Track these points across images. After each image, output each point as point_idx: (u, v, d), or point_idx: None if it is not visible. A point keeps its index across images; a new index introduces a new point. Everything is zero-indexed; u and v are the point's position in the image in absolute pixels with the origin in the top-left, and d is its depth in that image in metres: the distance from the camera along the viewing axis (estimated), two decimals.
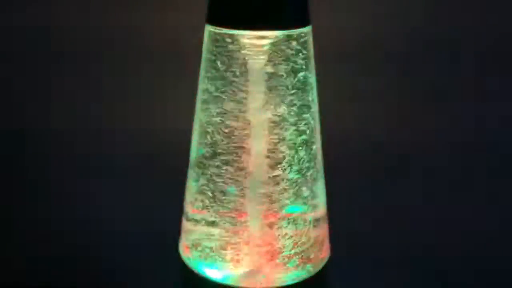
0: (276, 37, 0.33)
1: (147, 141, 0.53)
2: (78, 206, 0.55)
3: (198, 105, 0.36)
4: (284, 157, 0.35)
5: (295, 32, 0.34)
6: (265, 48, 0.33)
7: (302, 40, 0.34)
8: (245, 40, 0.33)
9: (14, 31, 0.51)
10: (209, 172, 0.35)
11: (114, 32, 0.50)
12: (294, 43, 0.34)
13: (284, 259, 0.36)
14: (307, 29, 0.35)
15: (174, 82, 0.51)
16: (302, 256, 0.36)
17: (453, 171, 0.54)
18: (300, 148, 0.35)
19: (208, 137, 0.35)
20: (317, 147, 0.37)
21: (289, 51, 0.34)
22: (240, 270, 0.36)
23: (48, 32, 0.50)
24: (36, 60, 0.51)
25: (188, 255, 0.38)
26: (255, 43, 0.33)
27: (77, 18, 0.50)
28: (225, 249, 0.36)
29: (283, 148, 0.35)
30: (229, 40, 0.33)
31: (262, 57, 0.33)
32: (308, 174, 0.36)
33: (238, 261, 0.36)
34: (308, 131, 0.36)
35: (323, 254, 0.38)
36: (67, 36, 0.51)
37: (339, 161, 0.47)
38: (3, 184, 0.55)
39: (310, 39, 0.35)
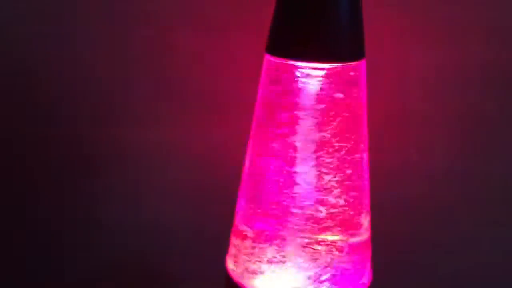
0: (330, 69, 0.35)
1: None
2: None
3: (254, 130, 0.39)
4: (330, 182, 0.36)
5: (349, 64, 0.35)
6: (319, 79, 0.35)
7: (355, 72, 0.36)
8: (300, 71, 0.35)
9: None
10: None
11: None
12: (348, 74, 0.36)
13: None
14: (361, 61, 0.36)
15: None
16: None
17: None
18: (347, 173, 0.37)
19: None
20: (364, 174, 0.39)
21: (343, 83, 0.35)
22: None
23: None
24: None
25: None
26: (311, 74, 0.35)
27: None
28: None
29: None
30: (285, 69, 0.35)
31: (315, 87, 0.35)
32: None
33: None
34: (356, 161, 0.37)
35: (364, 280, 0.40)
36: None
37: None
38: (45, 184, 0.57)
39: (363, 71, 0.37)
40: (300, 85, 0.35)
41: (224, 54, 0.52)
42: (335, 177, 0.36)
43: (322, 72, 0.35)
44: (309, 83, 0.35)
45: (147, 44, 0.52)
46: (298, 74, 0.35)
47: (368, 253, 0.40)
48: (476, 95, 0.51)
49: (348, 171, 0.37)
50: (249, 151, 0.39)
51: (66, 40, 0.52)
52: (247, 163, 0.39)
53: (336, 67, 0.35)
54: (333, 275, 0.37)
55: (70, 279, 0.58)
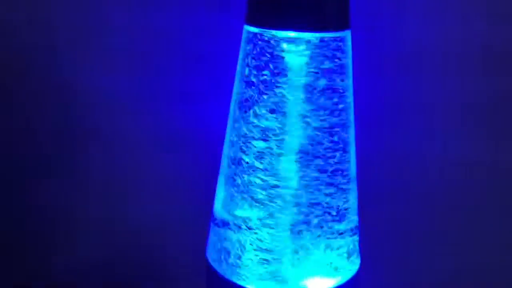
0: (315, 39, 0.33)
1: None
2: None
3: (234, 106, 0.36)
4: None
5: (333, 35, 0.33)
6: (303, 49, 0.33)
7: (340, 43, 0.34)
8: (284, 42, 0.33)
9: None
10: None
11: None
12: (332, 46, 0.33)
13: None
14: (346, 33, 0.34)
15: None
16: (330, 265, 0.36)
17: None
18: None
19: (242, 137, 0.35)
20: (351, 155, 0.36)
21: (327, 54, 0.33)
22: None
23: None
24: None
25: None
26: (294, 45, 0.33)
27: None
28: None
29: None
30: (266, 41, 0.33)
31: (300, 58, 0.33)
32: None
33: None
34: (342, 136, 0.35)
35: (351, 265, 0.38)
36: None
37: None
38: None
39: (349, 43, 0.35)
40: (282, 56, 0.33)
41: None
42: (323, 156, 0.34)
43: (305, 43, 0.33)
44: (291, 55, 0.33)
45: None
46: (280, 45, 0.33)
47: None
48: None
49: (336, 152, 0.34)
50: (228, 133, 0.37)
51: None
52: (226, 147, 0.37)
53: (321, 38, 0.33)
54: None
55: (56, 279, 0.57)
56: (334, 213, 0.35)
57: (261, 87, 0.34)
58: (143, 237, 0.55)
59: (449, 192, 0.51)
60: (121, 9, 0.49)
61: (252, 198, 0.35)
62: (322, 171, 0.34)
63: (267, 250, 0.35)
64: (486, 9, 0.46)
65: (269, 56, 0.33)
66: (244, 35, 0.35)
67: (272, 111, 0.33)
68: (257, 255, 0.35)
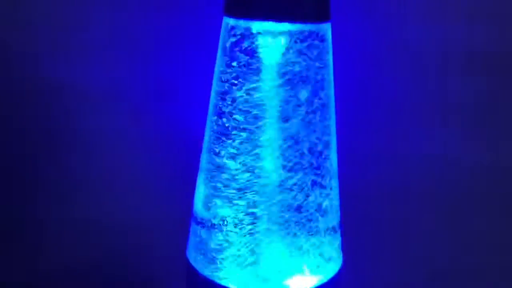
0: (293, 31, 0.32)
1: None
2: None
3: (211, 102, 0.35)
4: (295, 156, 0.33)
5: (313, 27, 0.32)
6: (282, 41, 0.32)
7: (320, 36, 0.33)
8: (261, 33, 0.32)
9: None
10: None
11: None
12: (311, 38, 0.33)
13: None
14: (326, 25, 0.33)
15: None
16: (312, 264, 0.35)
17: None
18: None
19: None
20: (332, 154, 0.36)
21: (305, 47, 0.32)
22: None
23: None
24: None
25: None
26: (271, 37, 0.32)
27: None
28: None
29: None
30: (244, 32, 0.32)
31: (277, 51, 0.32)
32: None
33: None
34: (322, 131, 0.34)
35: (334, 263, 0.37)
36: None
37: None
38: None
39: (329, 35, 0.34)
40: (258, 49, 0.32)
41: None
42: (302, 154, 0.33)
43: (285, 34, 0.32)
44: (267, 48, 0.32)
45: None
46: (259, 36, 0.32)
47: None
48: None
49: (316, 148, 0.34)
50: (207, 131, 0.36)
51: None
52: (205, 145, 0.36)
53: (300, 28, 0.32)
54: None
55: (44, 279, 0.55)
56: (315, 211, 0.34)
57: (237, 82, 0.33)
58: (128, 238, 0.55)
59: (441, 192, 0.51)
60: (102, 5, 0.49)
61: (230, 197, 0.34)
62: (301, 168, 0.34)
63: (247, 249, 0.34)
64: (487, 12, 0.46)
65: (245, 48, 0.32)
66: (222, 27, 0.34)
67: (248, 107, 0.33)
68: (237, 254, 0.34)
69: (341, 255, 0.38)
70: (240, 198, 0.34)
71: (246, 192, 0.34)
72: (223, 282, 0.35)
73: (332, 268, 0.36)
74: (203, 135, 0.37)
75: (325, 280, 0.36)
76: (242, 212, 0.34)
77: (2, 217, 0.54)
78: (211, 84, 0.36)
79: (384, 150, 0.50)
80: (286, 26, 0.32)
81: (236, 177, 0.34)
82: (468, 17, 0.46)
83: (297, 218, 0.34)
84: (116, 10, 0.49)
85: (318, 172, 0.34)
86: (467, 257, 0.52)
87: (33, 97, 0.51)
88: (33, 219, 0.54)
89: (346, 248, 0.39)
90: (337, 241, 0.37)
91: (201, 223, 0.36)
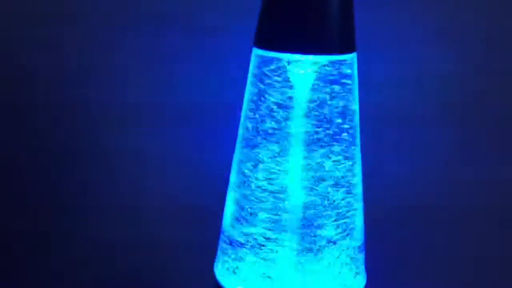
0: (321, 62, 0.34)
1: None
2: None
3: (242, 127, 0.37)
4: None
5: (339, 58, 0.34)
6: (310, 72, 0.34)
7: (345, 66, 0.34)
8: (290, 64, 0.34)
9: None
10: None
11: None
12: (337, 68, 0.34)
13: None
14: (352, 55, 0.35)
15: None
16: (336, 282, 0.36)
17: None
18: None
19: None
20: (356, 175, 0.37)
21: (332, 77, 0.34)
22: None
23: None
24: None
25: None
26: (300, 67, 0.33)
27: None
28: None
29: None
30: (274, 62, 0.34)
31: (306, 81, 0.34)
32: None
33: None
34: (350, 156, 0.36)
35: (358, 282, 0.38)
36: None
37: None
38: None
39: (354, 65, 0.35)
40: (290, 79, 0.34)
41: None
42: (330, 177, 0.35)
43: (313, 65, 0.33)
44: (300, 77, 0.33)
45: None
46: (288, 67, 0.34)
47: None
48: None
49: (342, 172, 0.35)
50: (237, 155, 0.38)
51: None
52: (235, 167, 0.38)
53: (327, 60, 0.34)
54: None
55: None
56: (341, 231, 0.36)
57: (268, 109, 0.34)
58: (156, 254, 0.56)
59: (453, 210, 0.52)
60: (130, 29, 0.51)
61: (258, 216, 0.36)
62: (328, 192, 0.35)
63: (272, 266, 0.35)
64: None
65: (276, 78, 0.34)
66: (252, 58, 0.36)
67: (278, 133, 0.34)
68: (262, 271, 0.36)
69: (365, 274, 0.39)
70: (266, 218, 0.35)
71: (272, 213, 0.35)
72: None
73: (357, 286, 0.37)
74: (231, 158, 0.39)
75: None
76: (268, 230, 0.35)
77: (31, 235, 0.55)
78: (237, 109, 0.38)
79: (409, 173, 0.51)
80: (313, 58, 0.33)
81: (263, 199, 0.35)
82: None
83: (324, 238, 0.35)
84: (143, 36, 0.51)
85: (345, 194, 0.36)
86: (490, 274, 0.52)
87: (60, 118, 0.53)
88: (59, 237, 0.56)
89: (371, 268, 0.40)
90: (361, 260, 0.38)
91: (228, 240, 0.38)
